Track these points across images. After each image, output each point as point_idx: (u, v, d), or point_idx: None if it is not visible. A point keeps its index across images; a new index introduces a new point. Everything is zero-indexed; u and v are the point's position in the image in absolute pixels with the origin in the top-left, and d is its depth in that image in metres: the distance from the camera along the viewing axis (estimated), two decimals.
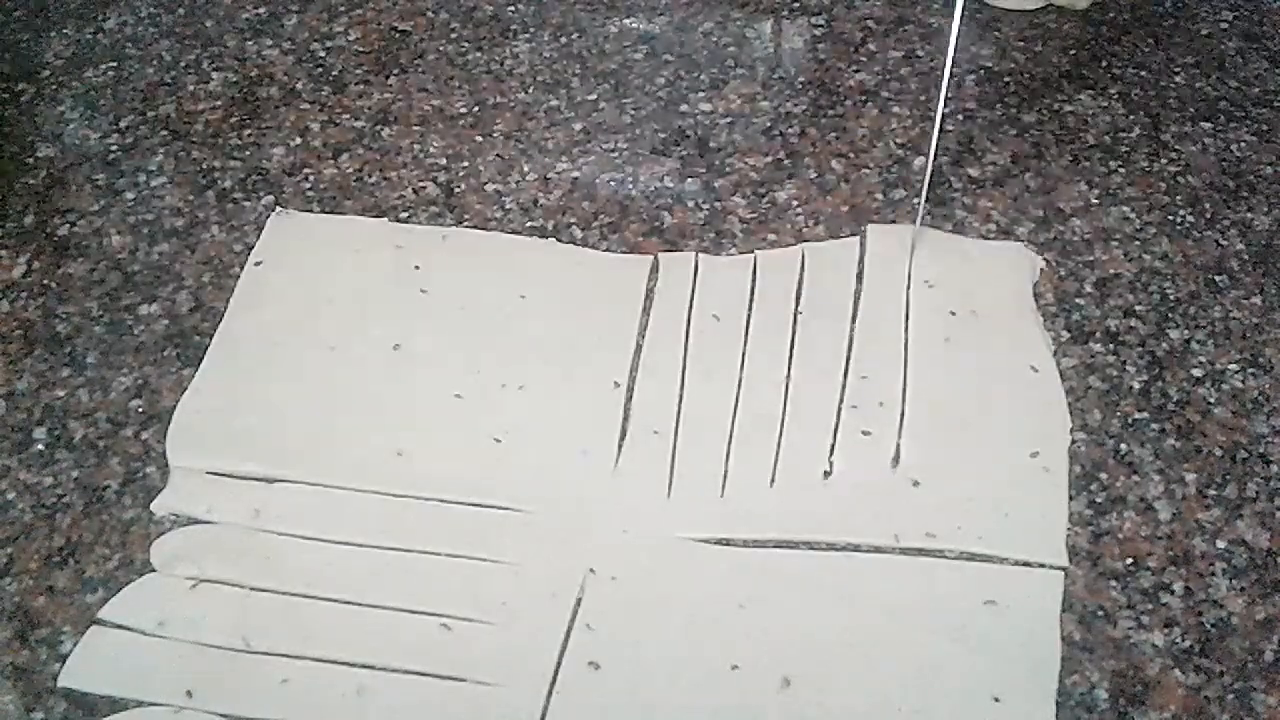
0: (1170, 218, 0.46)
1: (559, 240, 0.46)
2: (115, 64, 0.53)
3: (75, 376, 0.42)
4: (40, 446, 0.41)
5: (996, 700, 0.34)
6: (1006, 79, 0.51)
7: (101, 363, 0.43)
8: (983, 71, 0.52)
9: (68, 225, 0.47)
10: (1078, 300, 0.44)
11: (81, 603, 0.37)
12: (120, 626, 0.36)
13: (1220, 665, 0.35)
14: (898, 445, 0.39)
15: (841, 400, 0.41)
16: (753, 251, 0.45)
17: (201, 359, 0.42)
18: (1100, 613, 0.36)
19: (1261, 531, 0.38)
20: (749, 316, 0.43)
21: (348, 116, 0.51)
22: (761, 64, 0.52)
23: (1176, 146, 0.48)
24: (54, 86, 0.52)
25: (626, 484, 0.39)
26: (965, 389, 0.41)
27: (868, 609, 0.36)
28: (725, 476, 0.39)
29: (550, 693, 0.35)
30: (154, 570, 0.37)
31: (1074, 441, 0.40)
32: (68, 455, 0.40)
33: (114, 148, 0.50)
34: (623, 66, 0.52)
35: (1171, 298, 0.44)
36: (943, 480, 0.39)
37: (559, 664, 0.35)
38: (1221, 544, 0.38)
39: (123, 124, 0.51)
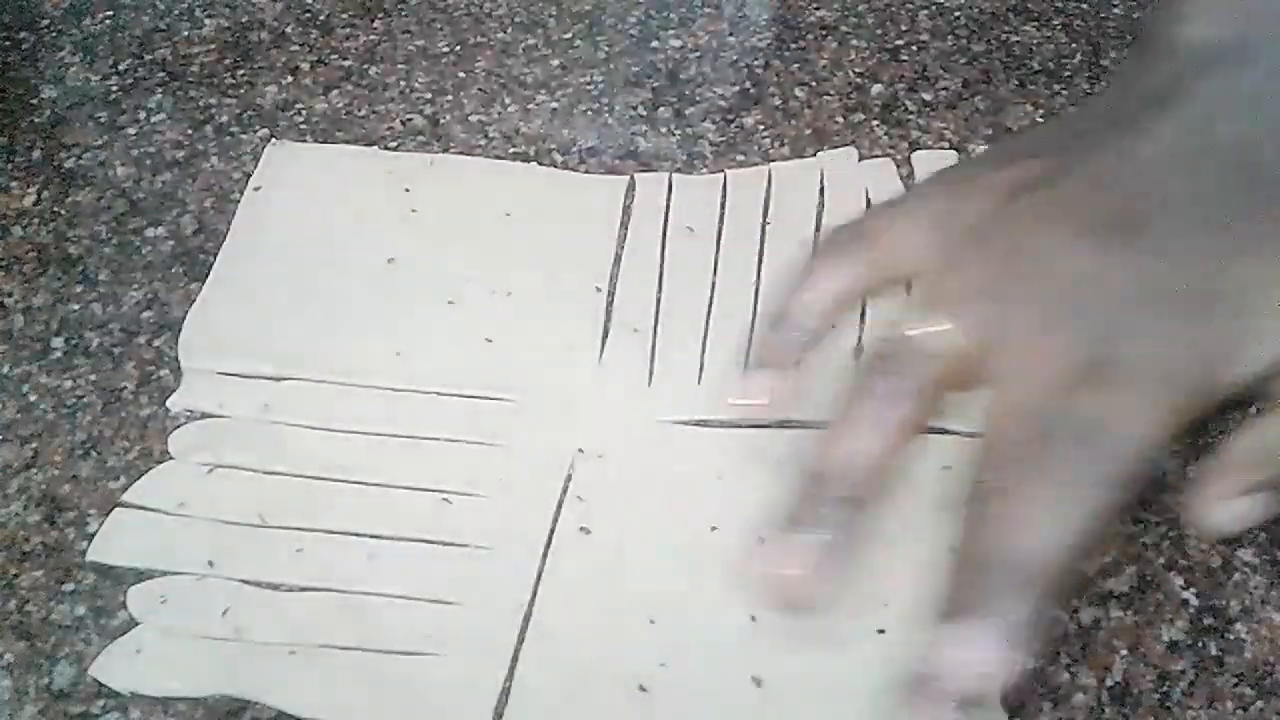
0: None
1: (540, 164, 0.49)
2: (111, 13, 0.56)
3: (88, 292, 0.45)
4: (59, 354, 0.43)
5: (953, 550, 0.37)
6: (957, 13, 0.55)
7: (113, 280, 0.46)
8: (935, 7, 0.55)
9: (74, 158, 0.50)
10: None
11: (105, 489, 0.40)
12: (142, 508, 0.39)
13: (1156, 516, 0.39)
14: (859, 336, 0.43)
15: None
16: (723, 171, 0.49)
17: (207, 275, 0.45)
18: None
19: None
20: (720, 228, 0.46)
21: (336, 56, 0.53)
22: (728, 3, 0.55)
23: (1114, 70, 0.52)
24: (54, 34, 0.55)
25: (610, 375, 0.42)
26: None
27: None
28: (702, 367, 0.42)
29: (545, 554, 0.38)
30: (172, 459, 0.40)
31: None
32: (85, 361, 0.43)
33: (114, 88, 0.52)
34: (596, 7, 0.55)
35: None
36: None
37: (553, 529, 0.38)
38: None
39: (121, 67, 0.53)
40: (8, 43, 0.54)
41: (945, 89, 0.52)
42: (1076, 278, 0.33)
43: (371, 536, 0.38)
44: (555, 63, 0.53)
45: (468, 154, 0.49)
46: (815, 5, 0.55)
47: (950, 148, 0.49)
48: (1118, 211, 0.34)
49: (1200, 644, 0.36)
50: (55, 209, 0.48)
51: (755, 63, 0.53)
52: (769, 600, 0.33)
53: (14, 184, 0.49)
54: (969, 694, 0.30)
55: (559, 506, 0.39)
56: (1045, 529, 0.31)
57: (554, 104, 0.51)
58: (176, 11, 0.55)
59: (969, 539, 0.32)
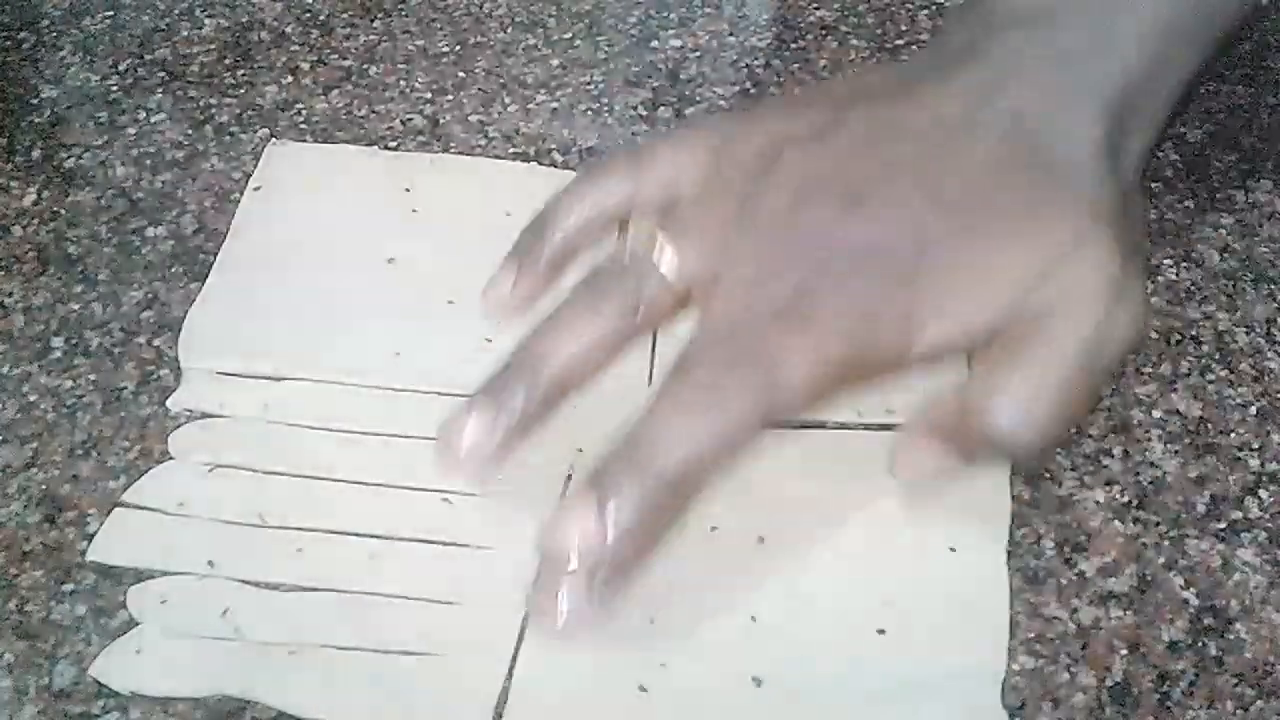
0: None
1: (540, 164, 0.49)
2: (111, 13, 0.56)
3: (88, 292, 0.45)
4: (59, 354, 0.43)
5: (952, 550, 0.38)
6: None
7: (112, 279, 0.46)
8: (935, 7, 0.55)
9: (74, 158, 0.50)
10: None
11: (105, 489, 0.40)
12: (142, 508, 0.39)
13: (1156, 516, 0.39)
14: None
15: None
16: None
17: (207, 275, 0.45)
18: (1046, 475, 0.39)
19: (1194, 402, 0.41)
20: None
21: (336, 56, 0.53)
22: (728, 3, 0.55)
23: None
24: (54, 34, 0.55)
25: (609, 374, 0.42)
26: None
27: (833, 477, 0.39)
28: None
29: None
30: (172, 459, 0.40)
31: None
32: (85, 361, 0.43)
33: (114, 88, 0.52)
34: (596, 7, 0.55)
35: None
36: None
37: None
38: (1157, 414, 0.41)
39: (121, 67, 0.53)
40: (8, 43, 0.54)
41: None
42: (803, 234, 0.36)
43: (371, 536, 0.38)
44: (555, 63, 0.53)
45: (468, 154, 0.49)
46: (815, 5, 0.55)
47: None
48: (859, 176, 0.36)
49: (1200, 644, 0.36)
50: (55, 209, 0.48)
51: (755, 63, 0.53)
52: (444, 468, 0.37)
53: (14, 184, 0.49)
54: (562, 560, 0.34)
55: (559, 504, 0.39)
56: (683, 432, 0.34)
57: (554, 104, 0.51)
58: (176, 11, 0.55)
59: (623, 432, 0.35)
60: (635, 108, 0.51)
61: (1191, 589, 0.37)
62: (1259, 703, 0.35)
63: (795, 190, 0.36)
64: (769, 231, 0.36)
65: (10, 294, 0.45)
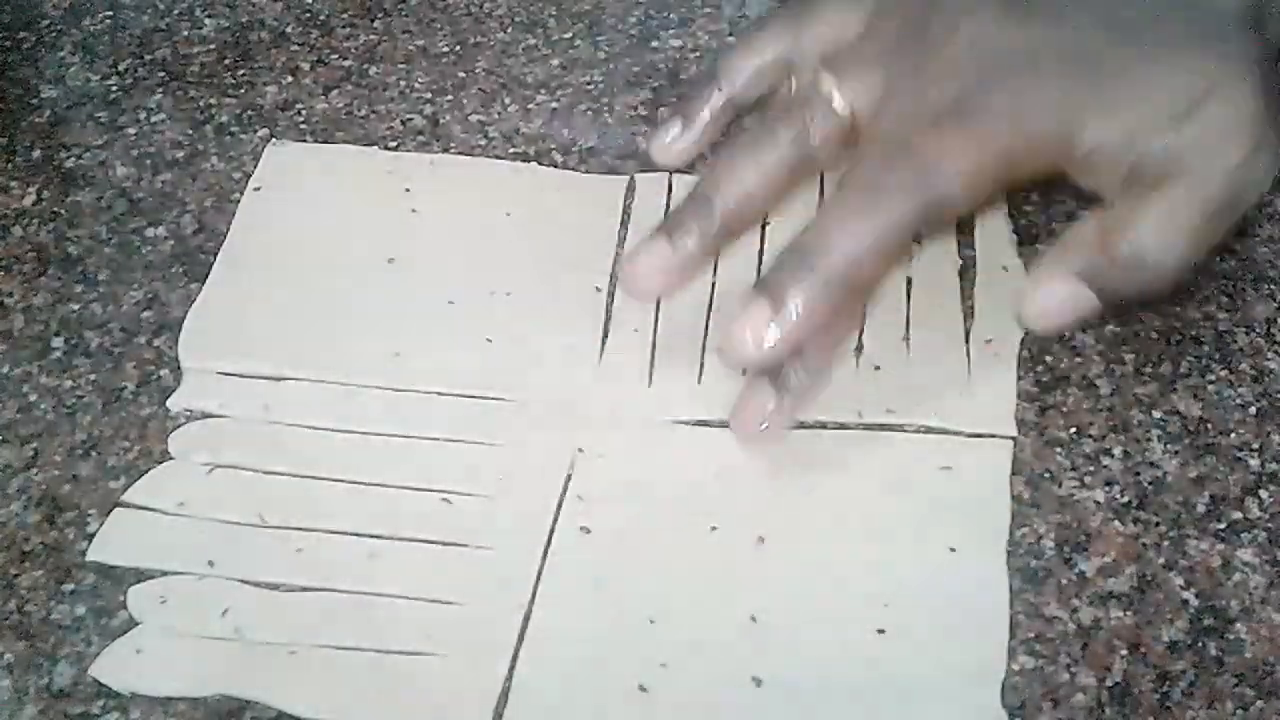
0: None
1: (540, 164, 0.49)
2: (111, 13, 0.56)
3: (88, 292, 0.45)
4: (59, 354, 0.43)
5: (952, 550, 0.38)
6: None
7: (112, 279, 0.46)
8: None
9: (74, 158, 0.50)
10: (1025, 208, 0.47)
11: (105, 489, 0.40)
12: (142, 508, 0.39)
13: (1156, 516, 0.39)
14: (860, 334, 0.42)
15: None
16: None
17: (207, 275, 0.45)
18: (1046, 475, 0.39)
19: (1194, 402, 0.41)
20: None
21: (336, 57, 0.53)
22: (728, 3, 0.55)
23: None
24: (54, 35, 0.55)
25: (609, 375, 0.42)
26: (928, 282, 0.44)
27: (834, 477, 0.39)
28: (701, 367, 0.42)
29: (545, 554, 0.38)
30: (172, 459, 0.40)
31: (1026, 331, 0.43)
32: (85, 361, 0.43)
33: (114, 88, 0.52)
34: (596, 7, 0.55)
35: None
36: (902, 365, 0.42)
37: (553, 528, 0.38)
38: (1157, 414, 0.41)
39: (121, 67, 0.53)
40: (8, 43, 0.54)
41: None
42: (966, 45, 0.37)
43: (371, 536, 0.38)
44: (555, 63, 0.53)
45: (468, 154, 0.49)
46: None
47: None
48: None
49: (1200, 644, 0.36)
50: (55, 209, 0.48)
51: None
52: (626, 285, 0.41)
53: (14, 184, 0.49)
54: (749, 358, 0.37)
55: (559, 506, 0.39)
56: (845, 232, 0.36)
57: (554, 104, 0.51)
58: (176, 11, 0.55)
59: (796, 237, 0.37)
60: (635, 108, 0.51)
61: (1191, 589, 0.37)
62: (1259, 703, 0.35)
63: (962, 10, 0.38)
64: (931, 48, 0.38)
65: (10, 294, 0.45)
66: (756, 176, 0.38)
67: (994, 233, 0.45)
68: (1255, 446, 0.40)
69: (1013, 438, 0.40)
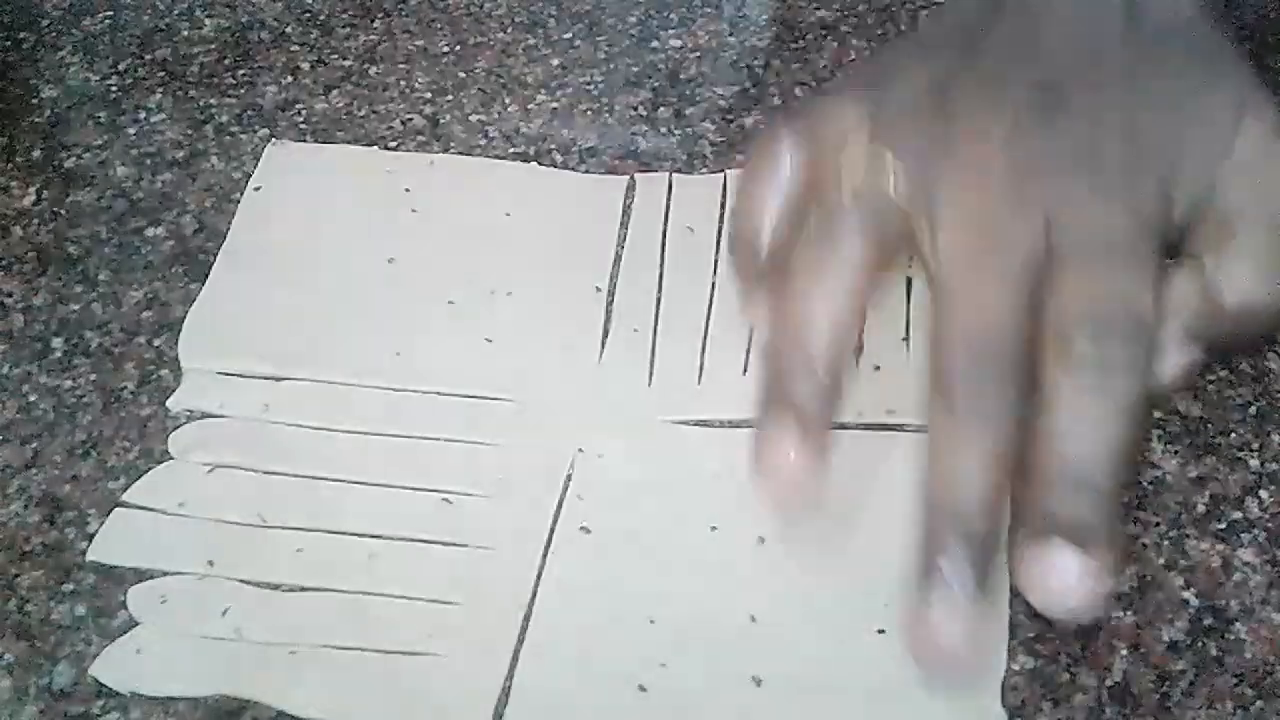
0: None
1: (540, 164, 0.49)
2: (111, 13, 0.56)
3: (88, 292, 0.45)
4: (59, 354, 0.43)
5: None
6: None
7: (113, 279, 0.46)
8: (935, 7, 0.55)
9: (74, 158, 0.50)
10: None
11: (105, 489, 0.40)
12: (142, 508, 0.39)
13: (1156, 517, 0.39)
14: (860, 335, 0.42)
15: None
16: (723, 171, 0.48)
17: (207, 275, 0.45)
18: None
19: (1194, 402, 0.41)
20: (720, 228, 0.46)
21: (336, 57, 0.53)
22: (728, 3, 0.55)
23: None
24: (54, 34, 0.55)
25: (610, 375, 0.42)
26: (925, 288, 0.44)
27: (833, 476, 0.39)
28: (701, 367, 0.42)
29: (545, 554, 0.38)
30: (172, 459, 0.40)
31: None
32: (85, 361, 0.43)
33: (114, 88, 0.52)
34: (596, 7, 0.55)
35: None
36: (902, 365, 0.42)
37: (553, 528, 0.38)
38: (1157, 414, 0.41)
39: (121, 67, 0.53)
40: (8, 43, 0.54)
41: None
42: (1011, 150, 0.35)
43: (371, 536, 0.38)
44: (555, 63, 0.53)
45: (468, 154, 0.49)
46: (815, 5, 0.55)
47: None
48: (1039, 84, 0.36)
49: (1200, 644, 0.36)
50: (55, 209, 0.48)
51: (755, 63, 0.53)
52: (772, 496, 0.35)
53: (14, 184, 0.49)
54: (1078, 608, 0.32)
55: (559, 506, 0.39)
56: (1093, 430, 0.32)
57: (554, 104, 0.51)
58: (176, 11, 0.55)
59: (1037, 454, 0.32)
60: (635, 108, 0.51)
61: (1191, 589, 0.37)
62: (1259, 703, 0.35)
63: (987, 110, 0.36)
64: (978, 156, 0.35)
65: (10, 294, 0.45)
66: (838, 299, 0.36)
67: None
68: (1255, 446, 0.40)
69: None
